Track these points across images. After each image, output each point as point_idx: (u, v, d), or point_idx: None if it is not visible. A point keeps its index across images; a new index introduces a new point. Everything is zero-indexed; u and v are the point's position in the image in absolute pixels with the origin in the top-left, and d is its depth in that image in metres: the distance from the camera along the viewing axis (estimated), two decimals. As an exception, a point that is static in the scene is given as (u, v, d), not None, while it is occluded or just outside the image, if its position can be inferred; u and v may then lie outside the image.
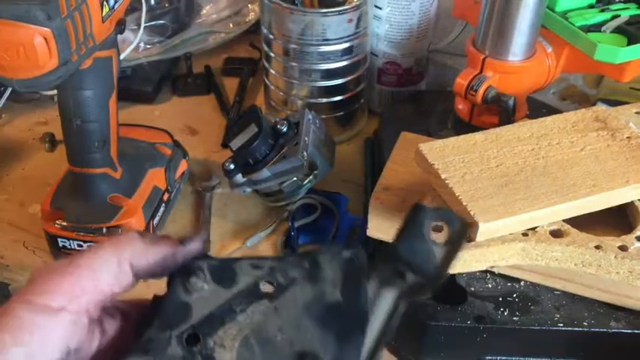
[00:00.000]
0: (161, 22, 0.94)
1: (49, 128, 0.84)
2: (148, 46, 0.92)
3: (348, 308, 0.30)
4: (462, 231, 0.31)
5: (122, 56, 0.82)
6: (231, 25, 0.97)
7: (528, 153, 0.54)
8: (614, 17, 0.69)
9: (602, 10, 0.70)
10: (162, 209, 0.69)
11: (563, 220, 0.51)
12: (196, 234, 0.31)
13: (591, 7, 0.71)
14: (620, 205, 0.53)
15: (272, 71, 0.79)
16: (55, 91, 0.76)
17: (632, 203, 0.54)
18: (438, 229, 0.30)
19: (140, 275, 0.32)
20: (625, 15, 0.69)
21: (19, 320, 0.28)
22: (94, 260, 0.30)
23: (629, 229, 0.53)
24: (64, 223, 0.63)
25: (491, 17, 0.66)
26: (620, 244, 0.50)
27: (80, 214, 0.63)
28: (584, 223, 0.52)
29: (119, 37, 0.61)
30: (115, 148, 0.63)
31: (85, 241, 0.63)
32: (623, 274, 0.50)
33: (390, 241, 0.29)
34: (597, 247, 0.50)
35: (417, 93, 0.85)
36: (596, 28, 0.67)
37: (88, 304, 0.30)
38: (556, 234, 0.51)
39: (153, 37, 0.93)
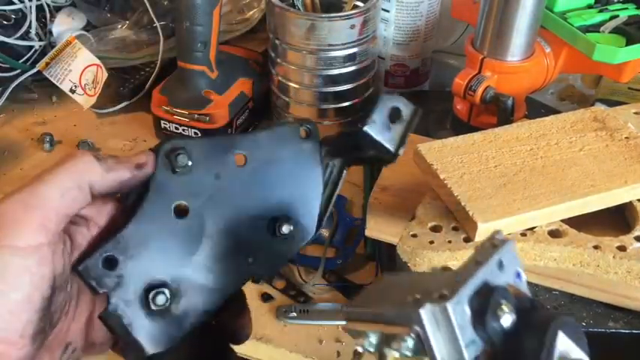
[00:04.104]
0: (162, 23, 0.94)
1: (47, 128, 0.84)
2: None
3: (306, 175, 0.36)
4: (415, 112, 0.36)
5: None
6: (232, 25, 0.97)
7: (527, 153, 0.54)
8: (612, 17, 0.69)
9: (601, 11, 0.70)
10: (246, 113, 0.81)
11: (562, 221, 0.51)
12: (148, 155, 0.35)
13: (590, 7, 0.71)
14: (619, 205, 0.53)
15: (278, 77, 0.78)
16: (53, 91, 0.85)
17: (630, 203, 0.54)
18: (395, 114, 0.35)
19: (97, 195, 0.33)
20: (623, 15, 0.69)
21: (9, 266, 0.29)
22: (55, 189, 0.31)
23: (627, 229, 0.53)
24: (167, 108, 0.77)
25: (489, 17, 0.66)
26: (618, 244, 0.50)
27: (179, 101, 0.77)
28: (583, 223, 0.52)
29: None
30: (214, 52, 0.76)
31: (180, 125, 0.77)
32: (622, 275, 0.50)
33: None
34: (596, 248, 0.50)
35: (415, 93, 0.85)
36: (595, 28, 0.67)
37: (57, 228, 0.31)
38: (554, 234, 0.51)
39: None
